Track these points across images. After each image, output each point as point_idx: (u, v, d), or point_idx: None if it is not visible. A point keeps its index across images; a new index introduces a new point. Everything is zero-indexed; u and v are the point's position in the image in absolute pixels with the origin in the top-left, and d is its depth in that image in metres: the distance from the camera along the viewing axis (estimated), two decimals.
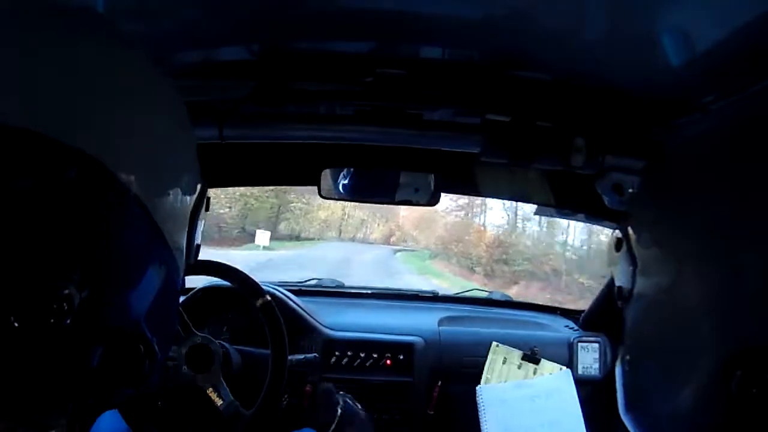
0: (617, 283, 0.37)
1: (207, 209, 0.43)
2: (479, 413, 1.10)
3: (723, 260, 0.28)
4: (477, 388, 1.13)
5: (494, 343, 1.18)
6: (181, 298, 1.12)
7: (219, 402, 0.81)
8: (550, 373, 1.17)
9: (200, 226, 0.41)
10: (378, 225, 19.16)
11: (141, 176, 0.32)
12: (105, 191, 0.31)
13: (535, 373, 1.18)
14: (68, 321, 0.29)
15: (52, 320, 0.28)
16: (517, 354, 1.18)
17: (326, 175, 1.02)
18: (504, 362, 1.18)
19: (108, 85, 0.32)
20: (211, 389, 0.81)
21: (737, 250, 0.28)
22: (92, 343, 0.31)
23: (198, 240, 0.41)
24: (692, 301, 0.30)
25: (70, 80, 0.30)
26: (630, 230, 0.36)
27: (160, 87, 0.36)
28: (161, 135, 0.35)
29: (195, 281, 1.17)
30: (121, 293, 0.33)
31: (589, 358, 1.20)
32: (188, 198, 0.38)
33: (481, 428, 1.09)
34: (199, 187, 0.40)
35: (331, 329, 1.19)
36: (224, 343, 0.87)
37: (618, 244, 0.38)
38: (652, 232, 0.35)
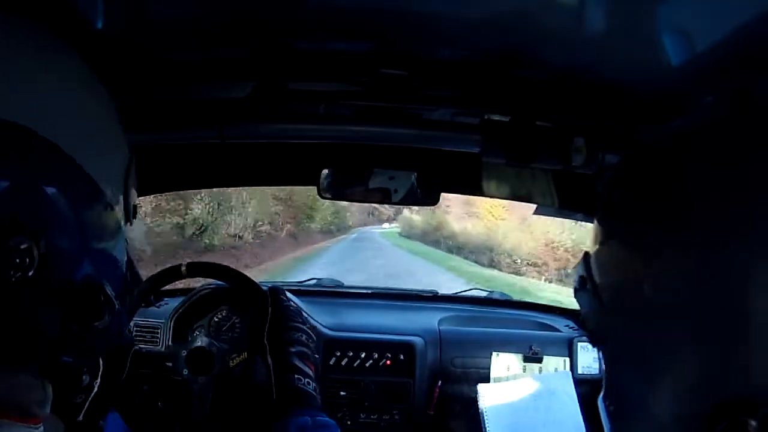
0: (583, 314, 0.38)
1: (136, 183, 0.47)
2: (480, 412, 1.10)
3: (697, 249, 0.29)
4: (478, 386, 1.13)
5: (494, 353, 1.18)
6: (179, 300, 1.12)
7: (245, 355, 0.81)
8: (556, 369, 1.18)
9: (133, 190, 0.45)
10: None
11: (77, 144, 0.36)
12: (46, 158, 0.34)
13: (540, 371, 1.18)
14: (30, 274, 0.32)
15: (16, 275, 0.31)
16: (518, 358, 1.18)
17: (326, 175, 1.02)
18: (508, 369, 1.18)
19: (42, 74, 0.35)
20: (231, 361, 0.81)
21: (724, 253, 0.28)
22: (51, 297, 0.34)
23: (134, 201, 0.45)
24: (666, 289, 0.30)
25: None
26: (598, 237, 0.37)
27: (67, 60, 0.39)
28: (85, 109, 0.39)
29: (194, 282, 1.17)
30: (74, 248, 0.36)
31: (589, 357, 1.20)
32: (121, 162, 0.43)
33: (483, 427, 1.09)
34: (127, 151, 0.44)
35: (331, 329, 1.19)
36: (224, 345, 0.87)
37: (582, 281, 0.38)
38: (629, 234, 0.35)
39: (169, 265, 0.92)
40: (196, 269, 0.90)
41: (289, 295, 0.84)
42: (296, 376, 0.71)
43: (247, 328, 0.88)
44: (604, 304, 0.36)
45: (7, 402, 0.33)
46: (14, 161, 0.33)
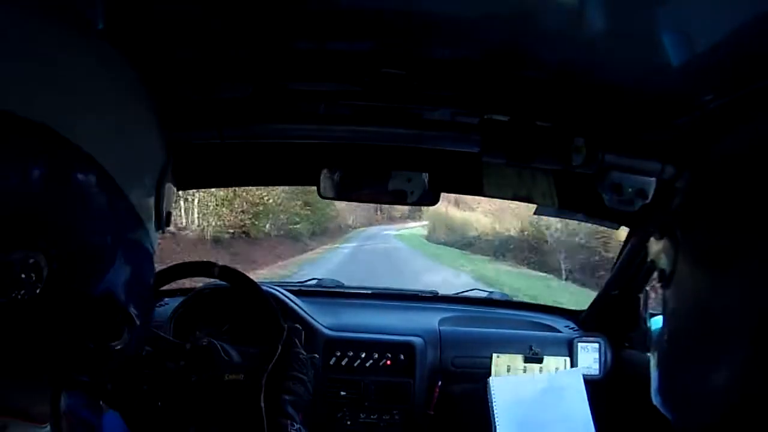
0: (660, 266, 0.38)
1: (175, 187, 0.43)
2: (490, 405, 1.10)
3: (762, 253, 0.29)
4: (489, 379, 1.13)
5: (495, 355, 1.18)
6: (180, 300, 1.12)
7: (240, 377, 0.81)
8: (557, 368, 1.18)
9: (168, 193, 0.40)
10: None
11: (100, 143, 0.32)
12: (63, 158, 0.31)
13: (540, 371, 1.18)
14: (38, 291, 0.29)
15: (21, 291, 0.28)
16: (519, 358, 1.18)
17: (326, 175, 1.02)
18: (508, 370, 1.18)
19: (59, 60, 0.32)
20: (227, 375, 0.81)
21: None
22: (67, 313, 0.32)
23: (168, 207, 0.41)
24: (733, 287, 0.30)
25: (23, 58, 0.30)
26: (675, 219, 0.36)
27: (108, 58, 0.36)
28: (116, 105, 0.35)
29: (193, 282, 1.17)
30: (92, 261, 0.33)
31: (589, 358, 1.20)
32: (153, 165, 0.38)
33: (492, 420, 1.09)
34: (163, 153, 0.40)
35: (331, 330, 1.19)
36: (224, 344, 0.87)
37: (664, 229, 0.37)
38: (696, 223, 0.35)
39: (202, 260, 0.90)
40: (228, 275, 0.88)
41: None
42: (289, 421, 0.74)
43: (249, 356, 0.89)
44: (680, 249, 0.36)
45: (17, 407, 0.32)
46: (21, 158, 0.29)
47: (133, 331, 0.34)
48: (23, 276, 0.28)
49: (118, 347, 0.34)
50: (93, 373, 0.36)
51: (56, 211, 0.30)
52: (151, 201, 0.38)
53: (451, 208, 11.87)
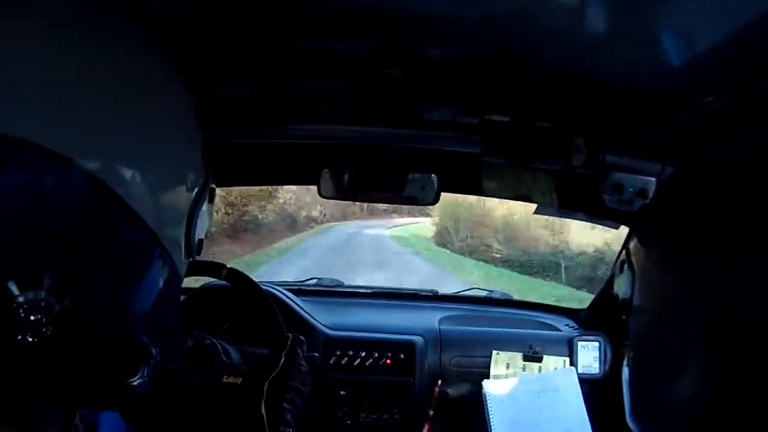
0: (620, 296, 0.38)
1: (211, 201, 0.40)
2: (485, 407, 1.10)
3: (720, 275, 0.29)
4: (483, 382, 1.13)
5: (494, 352, 1.18)
6: (180, 298, 1.12)
7: (238, 380, 0.82)
8: (555, 368, 1.18)
9: (202, 220, 0.38)
10: None
11: (122, 171, 0.30)
12: (80, 191, 0.28)
13: (540, 370, 1.18)
14: (49, 331, 0.27)
15: (27, 336, 0.27)
16: (518, 356, 1.18)
17: (326, 175, 1.02)
18: (507, 367, 1.18)
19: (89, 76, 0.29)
20: (225, 377, 0.82)
21: (734, 267, 0.28)
22: (79, 351, 0.30)
23: (200, 235, 0.38)
24: (691, 314, 0.30)
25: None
26: (633, 242, 0.37)
27: (156, 79, 0.34)
28: (149, 124, 0.33)
29: (193, 281, 1.17)
30: (110, 298, 0.31)
31: (589, 357, 1.20)
32: (185, 193, 0.36)
33: (488, 422, 1.09)
34: (200, 181, 0.38)
35: (331, 329, 1.19)
36: (223, 343, 0.87)
37: (622, 264, 0.38)
38: (654, 244, 0.35)
39: (210, 260, 0.90)
40: (235, 278, 0.88)
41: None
42: (288, 429, 0.77)
43: (249, 357, 0.89)
44: (634, 306, 0.36)
45: (25, 423, 0.31)
46: (33, 186, 0.27)
47: (151, 367, 0.33)
48: (32, 318, 0.27)
49: (135, 383, 0.32)
50: (105, 406, 0.35)
51: (71, 248, 0.28)
52: (181, 231, 0.36)
53: (487, 201, 7.32)
